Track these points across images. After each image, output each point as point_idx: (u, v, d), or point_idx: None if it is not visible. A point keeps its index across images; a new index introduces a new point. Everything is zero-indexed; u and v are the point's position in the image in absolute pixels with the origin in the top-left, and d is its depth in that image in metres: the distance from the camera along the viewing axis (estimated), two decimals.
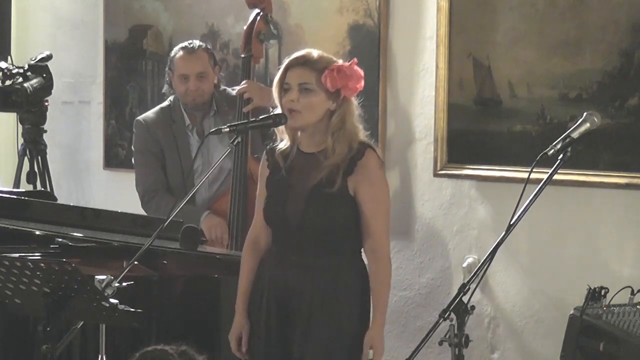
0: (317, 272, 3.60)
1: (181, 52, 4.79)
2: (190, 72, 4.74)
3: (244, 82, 4.68)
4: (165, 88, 4.94)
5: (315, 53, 3.64)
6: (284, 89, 3.61)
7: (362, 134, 3.65)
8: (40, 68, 5.80)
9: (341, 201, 3.58)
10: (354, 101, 3.64)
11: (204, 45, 4.85)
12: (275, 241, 3.71)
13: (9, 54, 6.10)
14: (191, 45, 4.80)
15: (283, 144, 3.70)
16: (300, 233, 3.63)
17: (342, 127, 3.59)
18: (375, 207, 3.59)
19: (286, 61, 3.64)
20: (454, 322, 2.90)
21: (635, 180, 4.06)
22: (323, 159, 3.59)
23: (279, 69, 3.67)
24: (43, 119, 5.86)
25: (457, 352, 2.90)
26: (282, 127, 3.66)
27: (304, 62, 3.60)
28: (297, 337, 3.60)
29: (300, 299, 3.60)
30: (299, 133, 3.67)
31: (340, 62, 3.63)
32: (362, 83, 3.63)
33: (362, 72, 3.62)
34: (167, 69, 4.88)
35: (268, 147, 3.75)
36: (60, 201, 5.03)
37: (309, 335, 3.59)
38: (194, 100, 4.77)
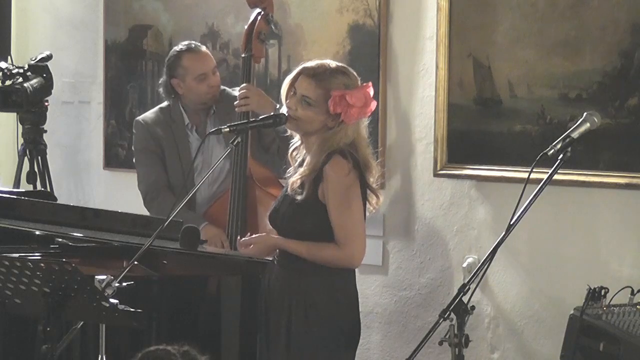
0: (293, 275, 3.64)
1: (189, 54, 4.75)
2: (208, 69, 4.74)
3: (243, 85, 4.65)
4: (164, 96, 4.89)
5: (332, 65, 3.64)
6: (292, 91, 3.63)
7: (365, 154, 3.64)
8: (40, 68, 5.80)
9: (310, 209, 3.61)
10: (362, 124, 3.65)
11: (199, 44, 4.88)
12: None
13: (9, 54, 6.09)
14: (194, 45, 4.80)
15: (296, 139, 3.74)
16: (283, 235, 3.70)
17: (328, 143, 3.60)
18: (338, 213, 3.59)
19: (302, 65, 3.66)
20: (454, 322, 2.90)
21: (635, 180, 4.06)
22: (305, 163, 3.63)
23: (294, 69, 3.69)
24: (43, 119, 5.85)
25: (457, 352, 2.90)
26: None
27: (315, 74, 3.61)
28: (271, 338, 3.62)
29: (276, 300, 3.64)
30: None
31: (359, 80, 3.63)
32: (370, 109, 3.62)
33: (371, 99, 3.62)
34: (167, 77, 4.79)
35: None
36: (60, 201, 5.03)
37: (275, 336, 3.61)
38: (213, 96, 4.76)
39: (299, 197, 3.59)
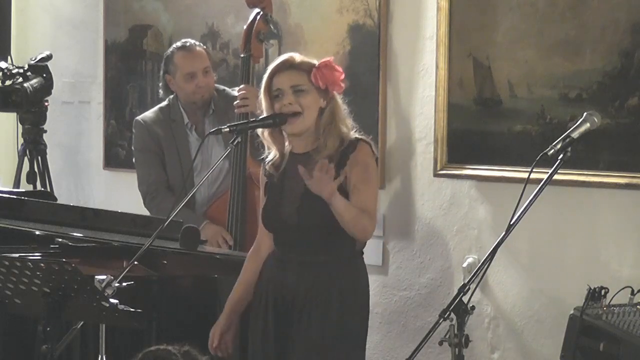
0: (315, 269, 3.61)
1: (181, 52, 4.78)
2: (197, 69, 4.74)
3: (242, 86, 4.65)
4: (161, 93, 4.91)
5: (297, 56, 3.66)
6: (274, 95, 3.61)
7: (350, 127, 3.67)
8: (40, 68, 5.80)
9: None
10: (339, 97, 3.68)
11: (198, 43, 4.88)
12: (276, 244, 3.73)
13: (9, 54, 6.10)
14: (189, 44, 4.81)
15: (272, 155, 3.71)
16: (297, 231, 3.64)
17: (332, 122, 3.62)
18: (364, 186, 3.59)
19: (269, 68, 3.65)
20: (454, 322, 2.90)
21: (635, 180, 4.06)
22: (315, 155, 3.60)
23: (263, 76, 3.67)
24: (43, 119, 5.86)
25: (457, 352, 2.90)
26: (269, 139, 3.68)
27: (290, 65, 3.62)
28: (292, 334, 3.62)
29: (296, 296, 3.61)
30: (286, 142, 3.68)
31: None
32: (342, 74, 3.67)
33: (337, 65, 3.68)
34: (162, 72, 4.85)
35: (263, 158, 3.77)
36: (60, 201, 5.03)
37: (303, 332, 3.60)
38: (202, 96, 4.76)
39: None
